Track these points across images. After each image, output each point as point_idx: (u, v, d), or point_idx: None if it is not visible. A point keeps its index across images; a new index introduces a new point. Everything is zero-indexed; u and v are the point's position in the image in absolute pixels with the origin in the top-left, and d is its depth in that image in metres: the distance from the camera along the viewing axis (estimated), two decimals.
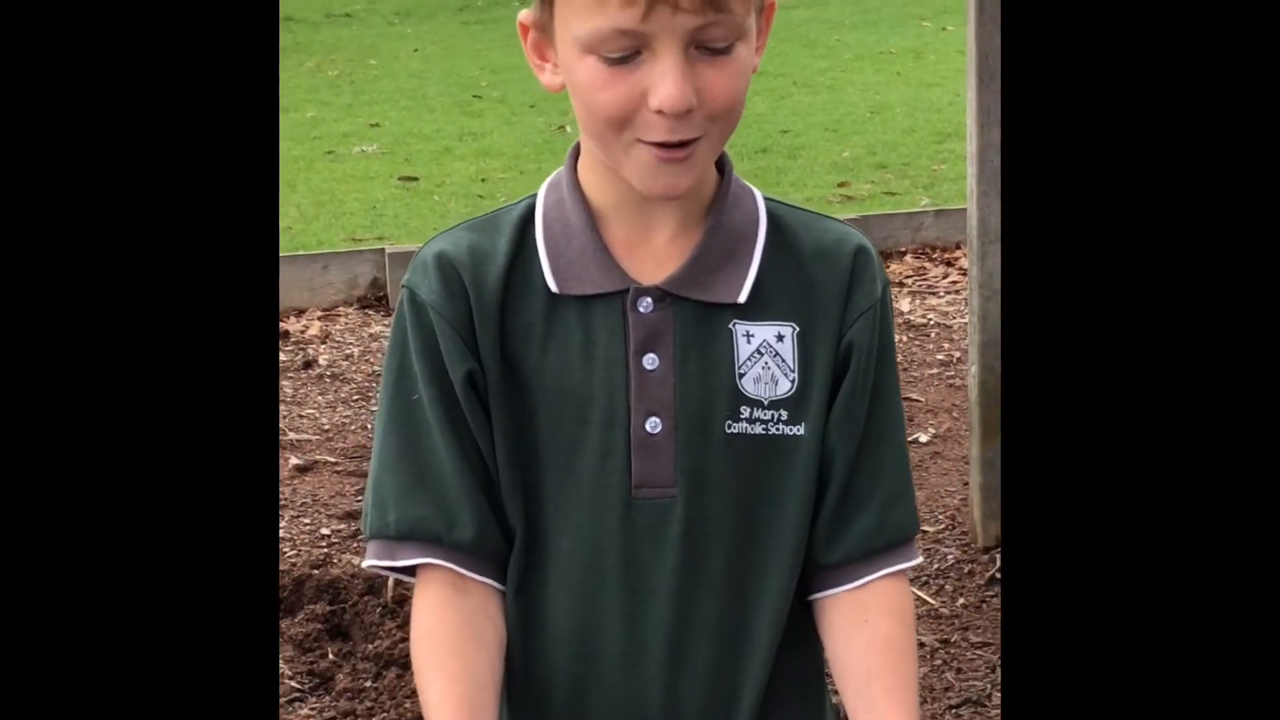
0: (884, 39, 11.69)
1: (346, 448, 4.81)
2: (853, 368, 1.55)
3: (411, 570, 1.56)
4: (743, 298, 1.53)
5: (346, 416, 5.06)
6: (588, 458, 1.52)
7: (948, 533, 4.11)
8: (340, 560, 3.99)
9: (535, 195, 1.58)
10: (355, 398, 5.22)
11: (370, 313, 5.98)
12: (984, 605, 3.77)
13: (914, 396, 4.99)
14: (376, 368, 5.46)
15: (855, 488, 1.56)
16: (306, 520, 4.25)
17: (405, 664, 3.42)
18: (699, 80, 1.42)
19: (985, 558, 3.96)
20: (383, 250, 6.13)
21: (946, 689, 3.42)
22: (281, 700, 3.36)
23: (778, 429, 1.53)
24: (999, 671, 3.47)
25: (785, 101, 9.36)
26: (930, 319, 5.75)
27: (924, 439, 4.69)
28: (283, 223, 6.78)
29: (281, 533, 4.14)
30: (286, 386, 5.24)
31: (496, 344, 1.52)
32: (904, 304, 5.89)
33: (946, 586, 3.85)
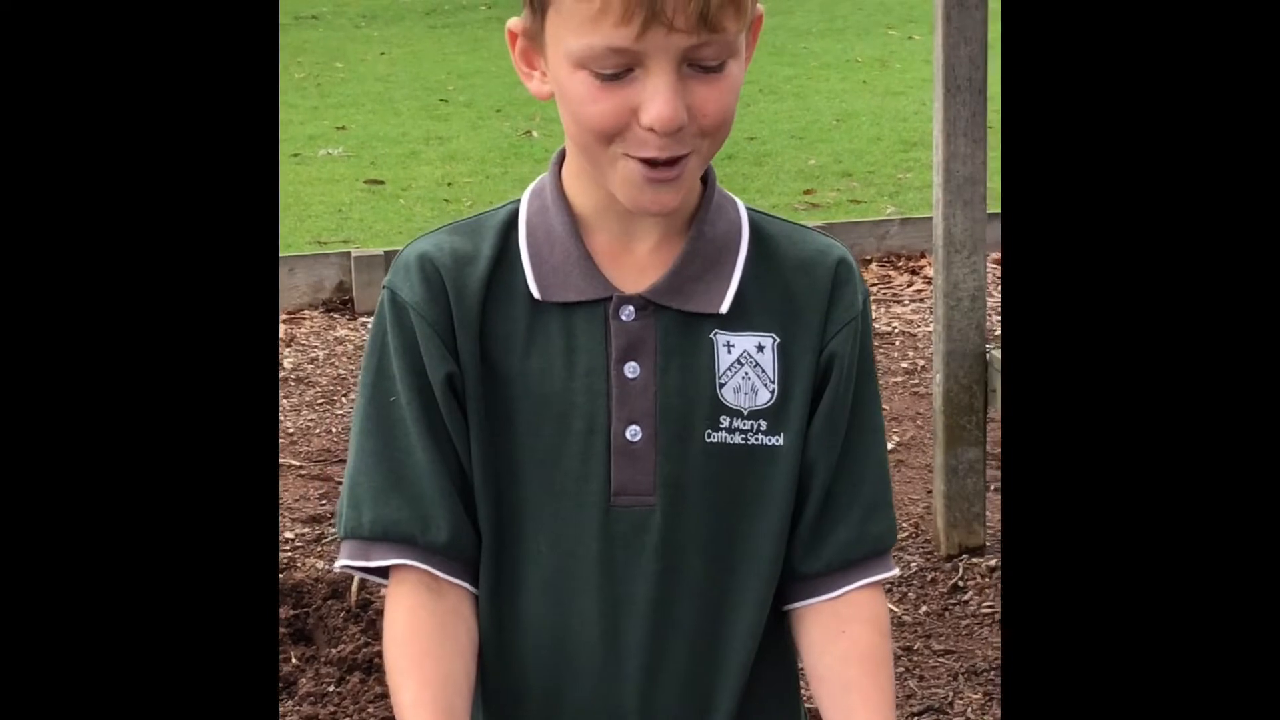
0: (850, 47, 11.73)
1: (311, 451, 4.80)
2: (833, 379, 1.55)
3: (385, 572, 1.55)
4: (724, 308, 1.53)
5: (311, 420, 5.05)
6: (567, 464, 1.53)
7: (911, 540, 4.12)
8: (304, 564, 3.98)
9: (519, 200, 1.58)
10: (320, 401, 5.21)
11: (335, 316, 5.96)
12: (946, 613, 3.78)
13: None
14: (342, 371, 5.45)
15: (834, 498, 1.57)
16: None
17: (369, 668, 3.41)
18: (690, 98, 1.43)
19: (948, 565, 3.97)
20: (349, 254, 6.11)
21: (909, 696, 3.43)
22: None
23: (757, 439, 1.54)
24: (961, 679, 3.49)
25: (751, 109, 9.38)
26: (895, 327, 5.78)
27: (888, 447, 4.70)
28: None
29: None
30: None
31: (476, 347, 1.52)
32: None
33: (909, 594, 3.87)
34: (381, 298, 1.56)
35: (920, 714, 3.37)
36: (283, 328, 5.77)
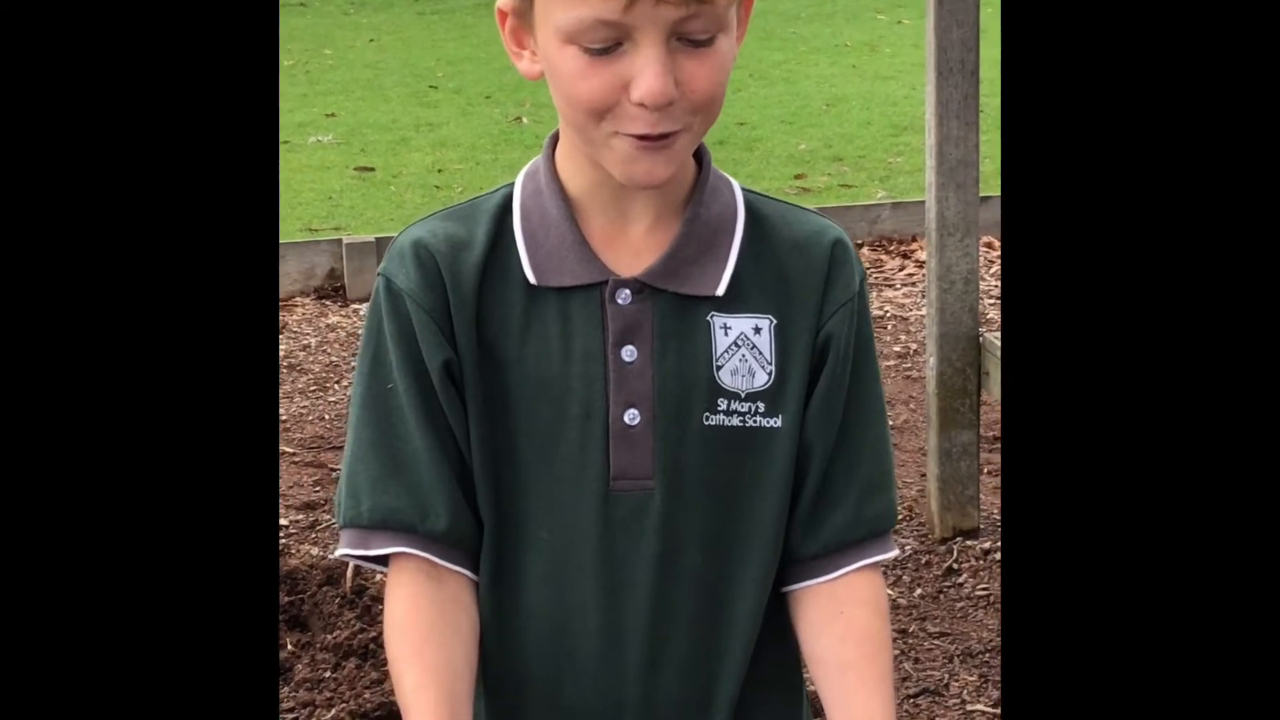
0: (839, 32, 11.72)
1: (304, 438, 4.80)
2: (830, 360, 1.55)
3: (384, 560, 1.55)
4: (721, 290, 1.53)
5: (304, 407, 5.04)
6: (565, 449, 1.52)
7: (905, 524, 4.13)
8: (298, 551, 3.98)
9: (512, 184, 1.58)
10: (312, 388, 5.21)
11: (327, 303, 5.96)
12: (941, 596, 3.79)
13: None
14: (334, 358, 5.45)
15: (831, 480, 1.57)
16: None
17: (364, 654, 3.42)
18: (680, 72, 1.42)
19: (942, 548, 3.98)
20: (340, 241, 6.11)
21: (904, 679, 3.43)
22: None
23: (755, 421, 1.54)
24: (956, 661, 3.50)
25: (741, 94, 9.37)
26: (887, 310, 5.78)
27: None
28: None
29: None
30: None
31: (473, 333, 1.52)
32: None
33: (904, 577, 3.87)
34: (377, 285, 1.55)
35: (916, 696, 3.38)
36: None
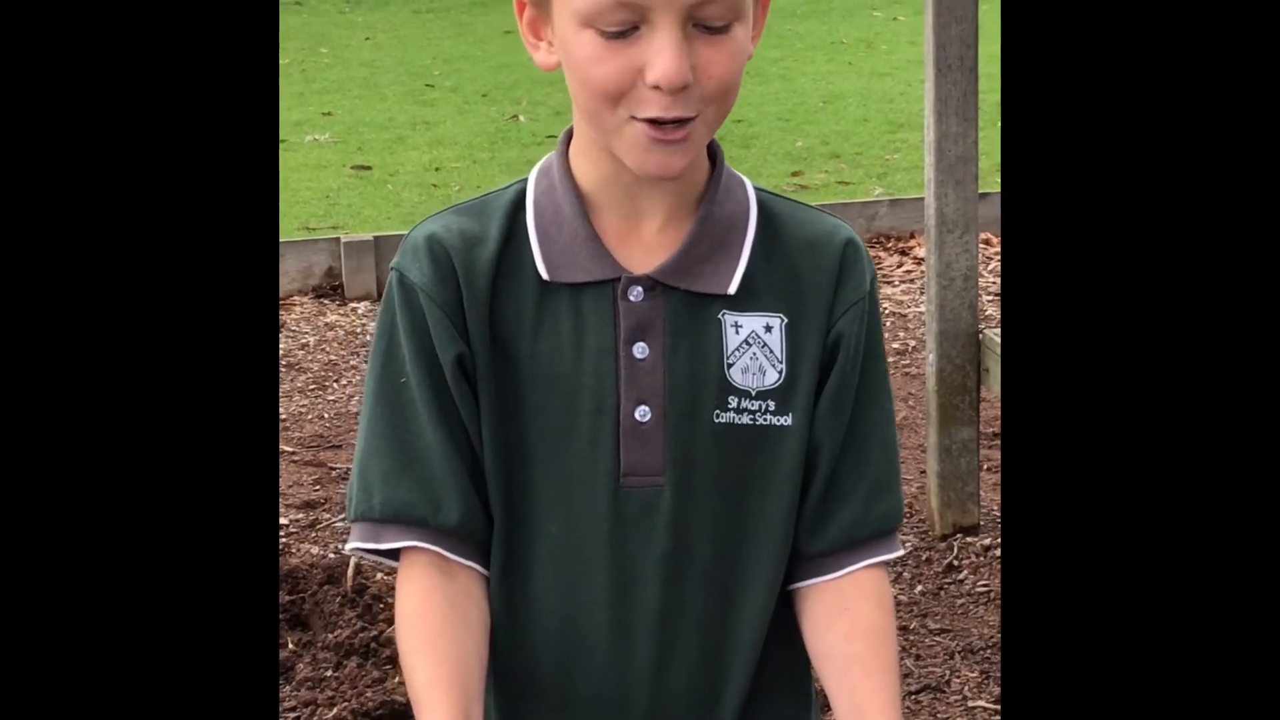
0: (836, 29, 11.73)
1: (304, 437, 4.80)
2: (840, 359, 1.56)
3: (396, 554, 1.55)
4: (732, 289, 1.54)
5: (303, 406, 5.04)
6: (576, 445, 1.53)
7: (905, 521, 4.13)
8: (299, 550, 3.98)
9: (525, 180, 1.58)
10: (311, 387, 5.21)
11: (325, 302, 5.96)
12: (941, 592, 3.79)
13: None
14: (333, 357, 5.45)
15: (839, 479, 1.57)
16: None
17: (366, 653, 3.42)
18: (696, 58, 1.43)
19: (943, 545, 3.98)
20: (338, 239, 6.11)
21: (906, 675, 3.44)
22: None
23: (765, 419, 1.54)
24: (957, 658, 3.50)
25: None
26: (886, 308, 5.78)
27: None
28: None
29: None
30: None
31: (486, 328, 1.52)
32: None
33: (905, 574, 3.88)
34: (390, 280, 1.56)
35: (918, 693, 3.38)
36: None
